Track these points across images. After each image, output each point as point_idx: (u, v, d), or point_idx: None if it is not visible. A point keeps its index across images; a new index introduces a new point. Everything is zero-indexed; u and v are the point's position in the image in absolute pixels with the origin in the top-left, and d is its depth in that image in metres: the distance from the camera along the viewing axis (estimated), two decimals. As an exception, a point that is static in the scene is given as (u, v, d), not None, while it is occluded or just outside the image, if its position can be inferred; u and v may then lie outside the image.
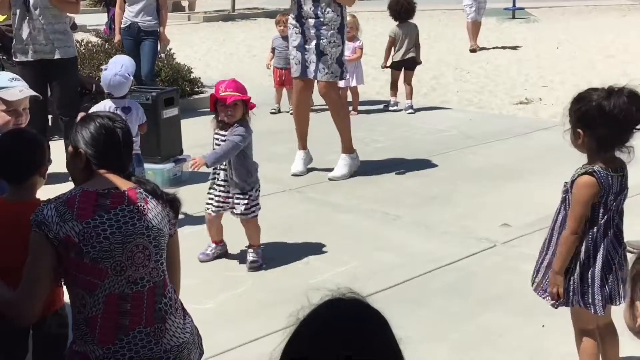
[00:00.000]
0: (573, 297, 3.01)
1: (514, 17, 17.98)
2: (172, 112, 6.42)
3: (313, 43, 6.13)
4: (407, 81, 8.89)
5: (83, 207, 2.29)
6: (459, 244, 4.85)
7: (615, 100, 2.81)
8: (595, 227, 2.93)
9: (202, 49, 14.36)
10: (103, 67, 5.29)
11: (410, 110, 8.74)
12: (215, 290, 4.20)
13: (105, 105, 4.86)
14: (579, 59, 12.21)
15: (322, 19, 6.09)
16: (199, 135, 7.42)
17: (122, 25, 8.27)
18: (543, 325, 3.74)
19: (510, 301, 4.06)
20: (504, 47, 13.47)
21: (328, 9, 6.07)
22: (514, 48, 13.40)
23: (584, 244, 2.94)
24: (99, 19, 12.84)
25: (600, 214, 2.92)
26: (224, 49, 14.47)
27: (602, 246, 2.93)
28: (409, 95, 8.88)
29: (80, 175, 2.45)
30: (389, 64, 8.97)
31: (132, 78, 4.96)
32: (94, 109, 4.92)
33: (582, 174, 2.92)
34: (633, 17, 17.78)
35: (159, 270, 2.38)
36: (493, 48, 13.31)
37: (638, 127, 2.88)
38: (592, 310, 2.98)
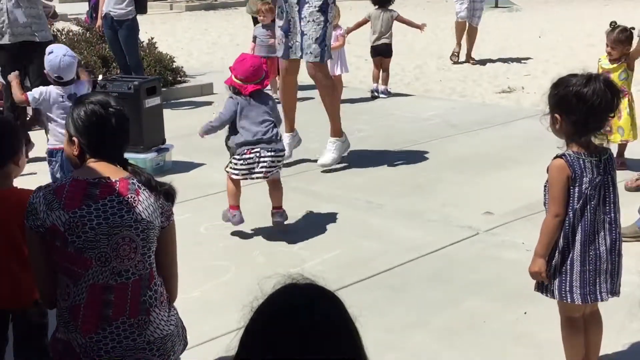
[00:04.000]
0: (549, 287, 3.02)
1: (496, 6, 18.04)
2: (154, 101, 6.39)
3: (297, 23, 5.96)
4: (383, 67, 8.99)
5: (71, 197, 2.26)
6: (442, 232, 4.87)
7: (593, 86, 2.84)
8: (572, 213, 2.92)
9: (185, 38, 14.30)
10: (47, 50, 5.06)
11: (384, 95, 8.88)
12: (200, 279, 4.20)
13: (49, 91, 4.63)
14: (561, 48, 12.28)
15: None
16: (181, 125, 7.40)
17: (102, 15, 8.23)
18: (525, 313, 3.78)
19: (493, 288, 4.09)
20: (486, 36, 13.50)
21: None
22: (497, 37, 13.44)
23: (562, 230, 2.94)
24: (80, 8, 12.73)
25: (576, 199, 2.91)
26: (207, 38, 14.41)
27: (579, 232, 2.92)
28: (384, 80, 9.01)
29: (76, 160, 2.42)
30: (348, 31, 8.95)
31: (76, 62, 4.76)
32: (39, 89, 4.67)
33: (554, 158, 2.96)
34: (615, 7, 17.88)
35: (145, 264, 2.34)
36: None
37: (612, 114, 2.91)
38: (569, 300, 2.98)
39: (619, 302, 3.45)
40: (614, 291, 3.03)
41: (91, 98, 2.44)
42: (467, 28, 11.21)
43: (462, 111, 8.21)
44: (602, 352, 3.26)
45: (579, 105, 2.85)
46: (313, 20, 5.93)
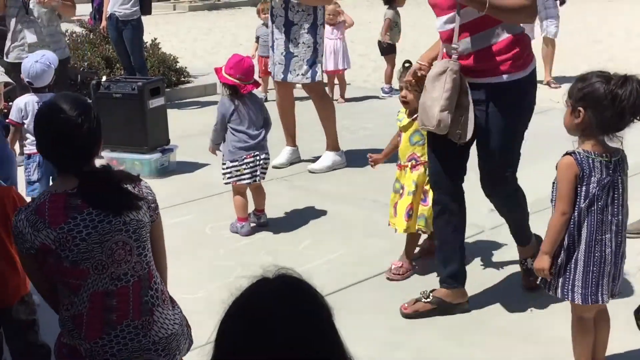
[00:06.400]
0: (552, 284, 3.02)
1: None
2: (159, 101, 6.39)
3: (282, 43, 5.95)
4: (388, 65, 9.00)
5: (54, 213, 2.19)
6: (447, 230, 4.85)
7: (630, 87, 2.80)
8: (577, 212, 2.90)
9: (188, 39, 14.32)
10: (23, 55, 5.11)
11: (384, 94, 8.87)
12: (205, 279, 4.19)
13: (25, 101, 4.70)
14: (565, 44, 12.22)
15: (291, 19, 5.89)
16: (185, 125, 7.40)
17: (107, 15, 8.24)
18: (531, 310, 3.77)
19: (499, 285, 4.08)
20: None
21: (297, 8, 5.84)
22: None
23: (567, 228, 2.93)
24: (83, 10, 12.73)
25: (582, 198, 2.89)
26: (210, 39, 14.43)
27: (585, 231, 2.91)
28: (385, 78, 8.99)
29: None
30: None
31: (54, 68, 4.77)
32: (16, 103, 4.78)
33: (564, 155, 2.94)
34: (619, 2, 17.83)
35: (142, 264, 2.31)
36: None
37: (639, 117, 2.87)
38: (569, 298, 2.98)
39: (625, 299, 3.45)
40: (614, 293, 3.03)
41: (42, 108, 2.31)
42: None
43: (467, 109, 8.18)
44: (608, 351, 3.25)
45: (610, 103, 2.81)
46: (303, 43, 5.92)
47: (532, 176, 5.55)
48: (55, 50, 6.16)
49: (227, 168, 4.83)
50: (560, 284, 2.99)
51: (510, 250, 4.52)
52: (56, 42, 6.18)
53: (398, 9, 9.01)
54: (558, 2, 9.11)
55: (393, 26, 8.93)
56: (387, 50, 9.01)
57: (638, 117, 2.87)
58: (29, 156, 4.75)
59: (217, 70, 4.91)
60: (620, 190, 2.94)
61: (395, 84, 9.30)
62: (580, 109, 2.88)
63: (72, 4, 6.34)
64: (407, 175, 4.15)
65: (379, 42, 9.03)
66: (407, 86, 4.02)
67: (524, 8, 3.33)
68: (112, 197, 2.24)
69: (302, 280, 1.41)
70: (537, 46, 9.01)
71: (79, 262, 2.20)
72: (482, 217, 5.04)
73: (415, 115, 3.87)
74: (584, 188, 2.89)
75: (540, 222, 4.80)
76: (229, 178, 4.84)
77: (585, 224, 2.91)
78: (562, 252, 2.95)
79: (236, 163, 4.79)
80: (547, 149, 5.29)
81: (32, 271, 2.33)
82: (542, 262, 2.99)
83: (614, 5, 17.51)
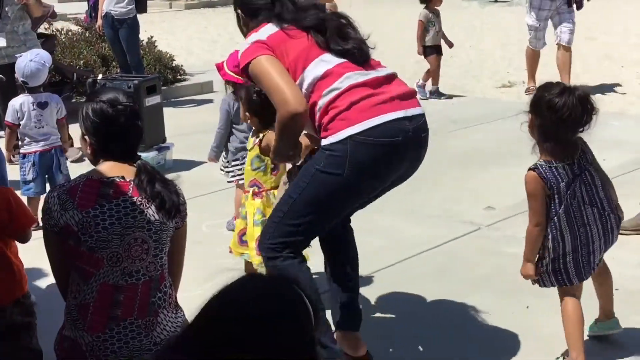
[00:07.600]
0: (545, 279, 3.11)
1: (496, 1, 18.02)
2: (154, 100, 6.39)
3: None
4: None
5: (85, 197, 2.25)
6: (444, 227, 4.87)
7: (565, 98, 2.86)
8: (556, 218, 2.97)
9: (184, 37, 14.29)
10: (17, 55, 5.14)
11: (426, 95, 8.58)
12: (201, 277, 4.18)
13: (21, 102, 4.68)
14: (561, 41, 12.23)
15: None
16: (181, 123, 7.40)
17: (103, 14, 8.24)
18: (527, 307, 3.77)
19: (496, 282, 4.08)
20: (487, 31, 13.49)
21: None
22: (497, 32, 13.41)
23: (549, 234, 3.00)
24: (79, 8, 12.73)
25: (557, 205, 2.96)
26: (206, 37, 14.40)
27: (567, 232, 2.98)
28: (432, 79, 8.79)
29: (92, 159, 2.41)
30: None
31: (48, 67, 4.77)
32: (11, 104, 4.76)
33: (528, 171, 3.02)
34: (616, 1, 17.83)
35: (156, 265, 2.33)
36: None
37: (581, 129, 2.93)
38: (568, 284, 3.08)
39: (623, 294, 3.46)
40: (600, 259, 3.12)
41: (100, 95, 2.39)
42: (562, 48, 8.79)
43: (463, 106, 8.20)
44: (606, 344, 3.26)
45: (547, 114, 2.89)
46: None
47: (524, 174, 5.57)
48: (32, 47, 6.17)
49: (231, 167, 4.81)
50: (553, 275, 3.08)
51: (506, 248, 4.53)
52: (31, 40, 6.19)
53: (437, 8, 8.64)
54: (575, 6, 8.80)
55: (429, 27, 8.61)
56: (430, 51, 8.65)
57: (581, 129, 2.91)
58: (24, 156, 4.74)
59: (219, 67, 4.78)
60: (590, 180, 3.00)
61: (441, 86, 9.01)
62: (530, 115, 2.99)
63: (41, 3, 6.44)
64: (249, 202, 3.74)
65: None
66: (247, 109, 3.73)
67: (283, 122, 2.90)
68: (166, 196, 2.32)
69: (290, 282, 1.41)
70: (545, 55, 9.03)
71: (95, 250, 2.24)
72: (478, 215, 5.06)
73: (261, 136, 3.62)
74: (556, 196, 2.96)
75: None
76: (232, 176, 4.81)
77: (567, 225, 2.98)
78: (547, 254, 3.04)
79: (238, 162, 4.77)
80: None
81: (52, 249, 2.35)
82: (526, 269, 3.11)
83: (609, 3, 17.51)
